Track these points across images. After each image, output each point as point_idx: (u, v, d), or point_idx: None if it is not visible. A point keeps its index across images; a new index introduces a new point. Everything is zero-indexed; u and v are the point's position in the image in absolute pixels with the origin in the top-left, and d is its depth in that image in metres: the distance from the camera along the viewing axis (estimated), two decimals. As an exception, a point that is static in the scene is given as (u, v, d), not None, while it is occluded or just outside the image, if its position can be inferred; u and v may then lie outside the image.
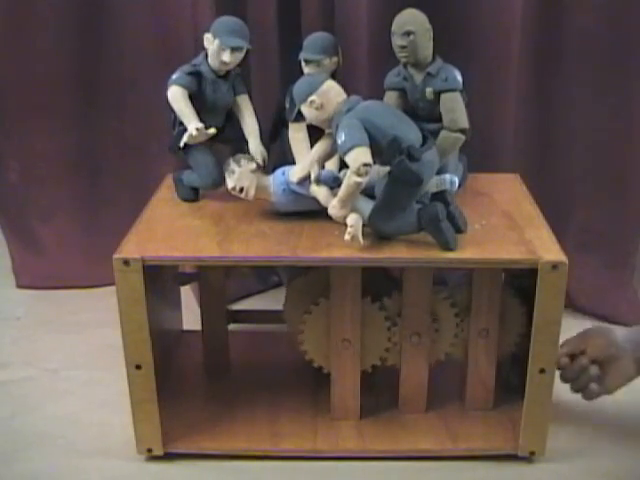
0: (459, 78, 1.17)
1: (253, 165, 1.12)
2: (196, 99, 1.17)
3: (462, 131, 1.16)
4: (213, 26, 1.16)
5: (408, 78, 1.19)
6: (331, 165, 1.16)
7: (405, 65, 1.19)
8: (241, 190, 1.12)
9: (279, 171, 1.13)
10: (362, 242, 1.03)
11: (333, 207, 1.05)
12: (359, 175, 1.00)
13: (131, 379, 1.08)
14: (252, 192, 1.12)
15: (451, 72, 1.17)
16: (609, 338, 1.11)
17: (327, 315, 1.15)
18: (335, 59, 1.22)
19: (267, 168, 1.19)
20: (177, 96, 1.16)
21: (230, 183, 1.12)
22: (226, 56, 1.16)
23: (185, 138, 1.15)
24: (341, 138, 1.01)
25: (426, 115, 1.19)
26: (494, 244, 1.06)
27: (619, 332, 1.13)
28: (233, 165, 1.11)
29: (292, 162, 1.18)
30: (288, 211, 1.14)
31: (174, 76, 1.17)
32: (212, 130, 1.15)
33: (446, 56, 1.19)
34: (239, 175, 1.11)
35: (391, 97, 1.22)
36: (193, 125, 1.14)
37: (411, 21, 1.15)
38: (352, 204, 1.04)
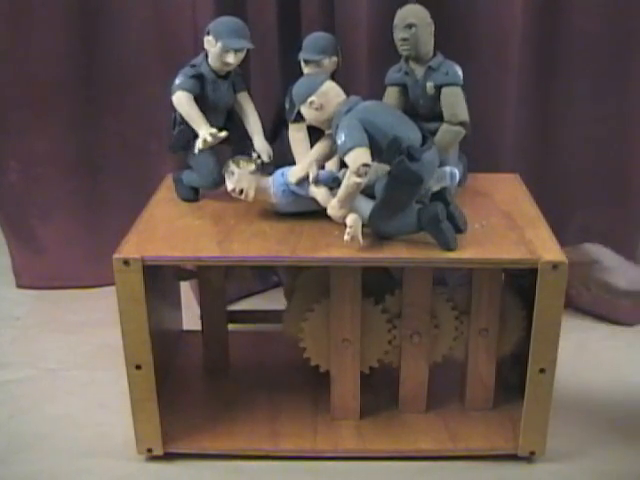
0: (460, 73, 1.17)
1: (252, 167, 1.11)
2: (197, 100, 1.17)
3: (462, 124, 1.16)
4: (213, 28, 1.16)
5: (409, 73, 1.19)
6: (331, 165, 1.16)
7: (407, 60, 1.19)
8: (241, 192, 1.11)
9: (279, 172, 1.13)
10: (362, 242, 1.03)
11: (332, 207, 1.05)
12: (358, 176, 1.00)
13: (131, 379, 1.08)
14: (252, 194, 1.12)
15: (452, 67, 1.17)
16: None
17: (327, 315, 1.15)
18: (335, 59, 1.22)
19: (271, 165, 1.19)
20: (183, 101, 1.16)
21: (230, 185, 1.12)
22: (230, 58, 1.16)
23: (199, 144, 1.15)
24: (341, 139, 1.01)
25: (426, 113, 1.19)
26: (494, 244, 1.06)
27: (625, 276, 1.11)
28: (232, 167, 1.11)
29: (292, 162, 1.18)
30: (288, 212, 1.14)
31: (177, 81, 1.17)
32: (224, 133, 1.15)
33: (446, 56, 1.19)
34: (238, 177, 1.11)
35: (392, 93, 1.22)
36: (205, 130, 1.14)
37: (413, 14, 1.15)
38: (351, 204, 1.05)
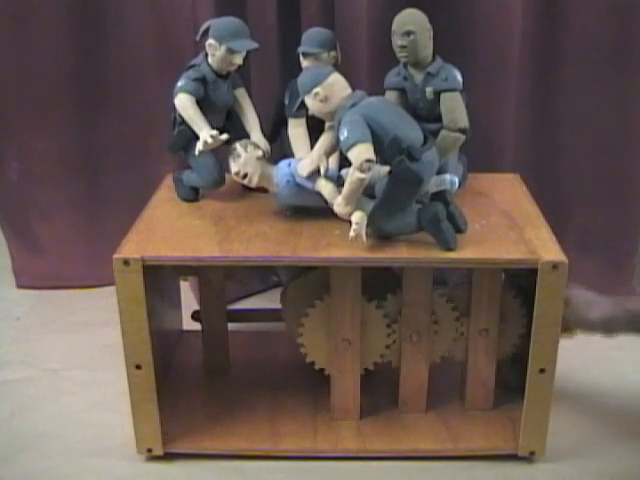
0: (459, 78, 1.17)
1: (259, 152, 1.11)
2: (198, 101, 1.17)
3: (462, 130, 1.16)
4: (214, 31, 1.15)
5: (408, 78, 1.19)
6: (331, 161, 1.15)
7: (405, 65, 1.19)
8: (244, 176, 1.11)
9: (284, 162, 1.13)
10: (365, 240, 1.03)
11: (338, 205, 1.05)
12: (362, 171, 1.00)
13: (131, 379, 1.08)
14: (255, 179, 1.11)
15: (451, 72, 1.17)
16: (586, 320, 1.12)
17: (327, 315, 1.15)
18: (333, 54, 1.22)
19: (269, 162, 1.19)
20: (186, 104, 1.16)
21: (234, 168, 1.11)
22: (238, 59, 1.17)
23: (200, 146, 1.15)
24: (343, 134, 1.01)
25: (426, 115, 1.19)
26: (494, 244, 1.06)
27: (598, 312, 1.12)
28: (240, 149, 1.10)
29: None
30: (288, 204, 1.14)
31: (180, 83, 1.17)
32: (225, 136, 1.15)
33: (446, 57, 1.19)
34: (244, 160, 1.10)
35: (391, 97, 1.22)
36: (206, 132, 1.14)
37: (411, 21, 1.15)
38: (357, 201, 1.04)
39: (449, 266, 1.06)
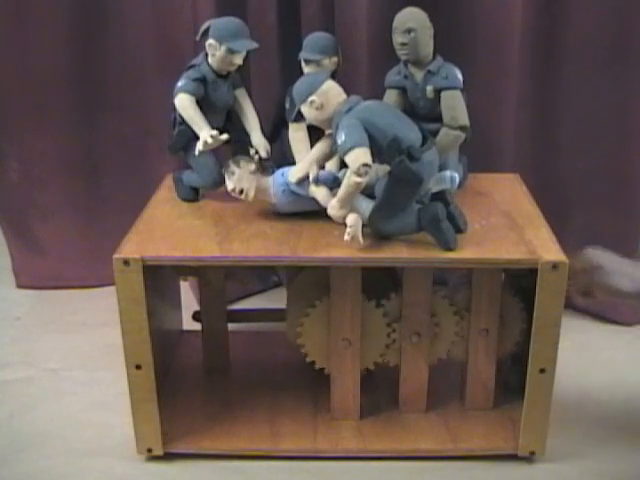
0: (459, 76, 1.17)
1: (253, 166, 1.12)
2: (198, 101, 1.17)
3: (462, 128, 1.16)
4: (214, 31, 1.15)
5: (409, 76, 1.19)
6: (331, 165, 1.16)
7: (406, 63, 1.19)
8: (241, 192, 1.12)
9: (279, 172, 1.14)
10: (362, 242, 1.03)
11: (332, 207, 1.05)
12: (359, 175, 1.00)
13: (131, 379, 1.08)
14: (252, 194, 1.12)
15: (452, 70, 1.17)
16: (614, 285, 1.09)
17: (327, 315, 1.15)
18: (335, 59, 1.22)
19: (269, 162, 1.19)
20: (186, 104, 1.16)
21: (230, 185, 1.12)
22: (238, 59, 1.17)
23: (200, 146, 1.15)
24: (341, 138, 1.01)
25: (426, 114, 1.19)
26: (494, 244, 1.06)
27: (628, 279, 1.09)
28: (233, 167, 1.11)
29: (292, 162, 1.18)
30: (288, 212, 1.14)
31: (180, 83, 1.17)
32: (225, 136, 1.15)
33: (446, 58, 1.19)
34: (239, 177, 1.11)
35: (391, 96, 1.22)
36: (206, 132, 1.14)
37: (412, 18, 1.15)
38: (352, 204, 1.05)
39: (449, 266, 1.06)
